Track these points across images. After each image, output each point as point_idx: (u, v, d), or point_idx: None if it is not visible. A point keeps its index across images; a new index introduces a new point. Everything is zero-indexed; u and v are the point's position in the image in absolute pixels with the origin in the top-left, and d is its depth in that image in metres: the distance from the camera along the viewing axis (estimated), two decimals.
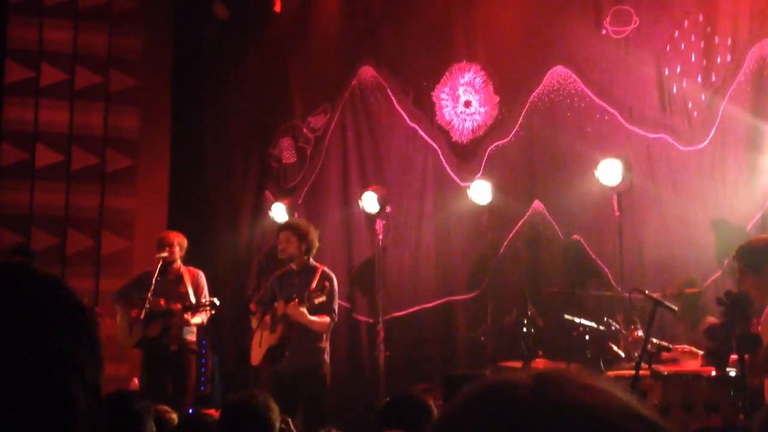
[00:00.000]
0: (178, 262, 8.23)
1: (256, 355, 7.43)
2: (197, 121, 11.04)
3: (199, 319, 8.05)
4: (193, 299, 8.03)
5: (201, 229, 10.48)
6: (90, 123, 10.45)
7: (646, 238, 7.93)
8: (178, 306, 7.89)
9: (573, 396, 1.03)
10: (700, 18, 7.78)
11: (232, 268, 10.35)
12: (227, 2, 10.64)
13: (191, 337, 8.14)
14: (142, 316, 7.83)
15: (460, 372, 7.68)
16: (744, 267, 5.05)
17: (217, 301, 8.01)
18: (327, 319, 7.22)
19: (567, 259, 8.29)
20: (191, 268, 8.28)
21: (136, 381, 8.78)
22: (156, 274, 7.95)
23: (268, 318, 7.34)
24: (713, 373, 5.33)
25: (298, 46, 10.41)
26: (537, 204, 8.47)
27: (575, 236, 8.21)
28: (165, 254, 8.09)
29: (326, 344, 7.37)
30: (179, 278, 8.14)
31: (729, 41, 7.64)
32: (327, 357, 7.38)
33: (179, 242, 8.24)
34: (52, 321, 1.26)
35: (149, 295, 7.84)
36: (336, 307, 7.35)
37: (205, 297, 8.12)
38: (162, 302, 7.89)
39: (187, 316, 7.91)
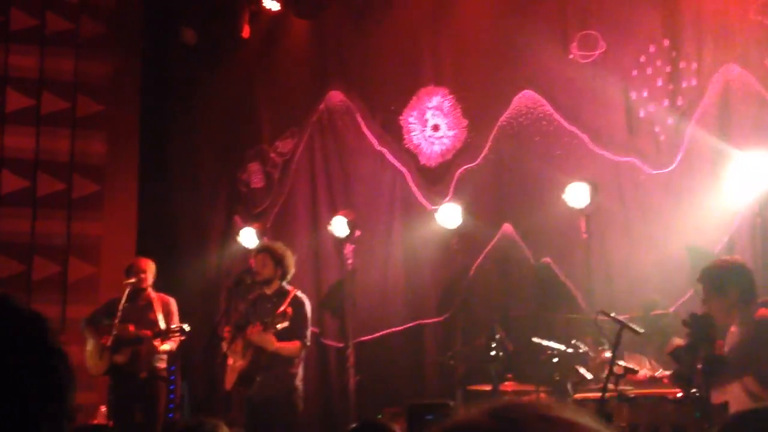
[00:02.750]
0: (149, 289, 8.16)
1: (230, 380, 7.36)
2: (165, 146, 11.01)
3: (168, 346, 7.97)
4: (163, 326, 7.95)
5: (169, 255, 10.42)
6: (56, 149, 10.39)
7: (614, 260, 7.94)
8: (148, 333, 7.81)
9: None
10: (666, 43, 7.84)
11: (201, 294, 10.28)
12: (195, 28, 10.65)
13: (161, 364, 8.07)
14: (110, 343, 7.74)
15: (424, 401, 7.63)
16: (708, 289, 5.06)
17: (186, 327, 7.93)
18: (297, 343, 7.15)
19: (537, 282, 8.28)
20: (162, 295, 8.22)
21: (104, 409, 8.68)
22: (123, 301, 7.87)
23: (239, 343, 7.28)
24: (679, 394, 5.32)
25: (266, 70, 10.42)
26: (506, 227, 8.47)
27: (545, 259, 8.21)
28: (133, 280, 8.02)
29: (298, 369, 7.31)
30: (149, 305, 8.07)
31: (694, 66, 7.68)
32: (299, 383, 7.31)
33: (150, 269, 8.18)
34: (23, 359, 1.24)
35: (117, 321, 7.76)
36: (308, 332, 7.29)
37: (175, 324, 8.04)
38: (131, 329, 7.81)
39: (156, 342, 7.83)
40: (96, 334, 7.96)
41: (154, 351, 7.87)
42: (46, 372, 1.29)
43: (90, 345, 8.01)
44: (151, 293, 8.15)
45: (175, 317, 8.13)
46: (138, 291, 8.07)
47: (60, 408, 1.30)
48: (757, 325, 4.94)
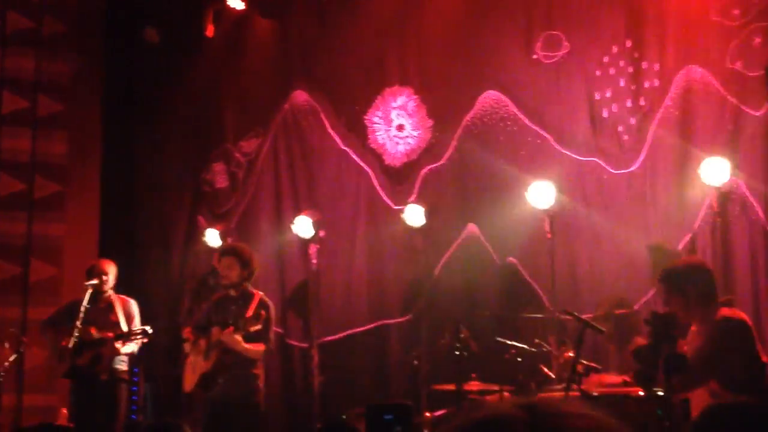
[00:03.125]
0: (110, 291, 8.10)
1: (190, 382, 7.32)
2: (128, 146, 10.92)
3: (130, 348, 7.93)
4: (124, 328, 7.90)
5: (133, 255, 10.35)
6: (17, 148, 10.26)
7: (578, 260, 7.99)
8: (110, 335, 7.76)
9: (568, 426, 0.99)
10: (628, 44, 7.90)
11: (165, 294, 10.21)
12: (158, 27, 10.57)
13: (122, 366, 8.03)
14: (71, 345, 7.68)
15: (383, 402, 7.64)
16: (668, 289, 5.10)
17: (149, 330, 7.89)
18: (262, 346, 7.17)
19: (501, 282, 8.31)
20: (123, 297, 8.17)
21: (65, 411, 8.60)
22: (85, 302, 7.80)
23: (202, 344, 7.25)
24: (641, 393, 5.35)
25: (230, 70, 10.37)
26: (471, 227, 8.49)
27: (510, 259, 8.24)
28: (95, 282, 7.96)
29: (261, 371, 7.32)
30: (110, 307, 8.02)
31: (656, 66, 7.75)
32: (261, 384, 7.32)
33: (111, 271, 8.13)
34: None
35: (78, 323, 7.70)
36: (272, 335, 7.34)
37: (136, 326, 7.99)
38: (93, 331, 7.76)
39: (118, 344, 7.79)
40: (56, 336, 7.90)
41: (116, 353, 7.83)
42: None
43: (50, 347, 7.95)
44: (112, 295, 8.11)
45: (137, 319, 8.09)
46: (99, 293, 8.02)
47: None
48: (718, 326, 4.98)
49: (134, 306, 8.17)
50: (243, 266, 7.34)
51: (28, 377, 9.80)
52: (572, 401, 1.06)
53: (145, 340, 7.95)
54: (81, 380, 7.89)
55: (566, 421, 1.00)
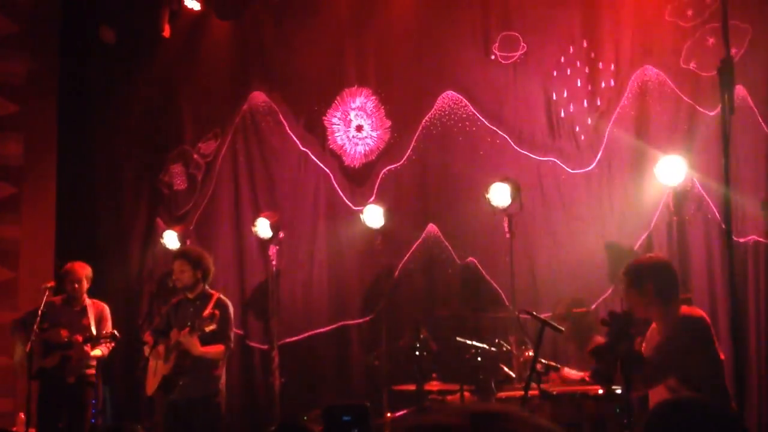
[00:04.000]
0: (84, 295, 8.06)
1: (151, 385, 7.29)
2: (85, 147, 10.81)
3: (99, 351, 7.91)
4: (94, 331, 7.88)
5: (90, 258, 10.16)
6: None
7: (537, 259, 8.05)
8: (79, 338, 7.74)
9: None
10: (585, 44, 7.97)
11: (123, 297, 10.12)
12: (114, 26, 10.47)
13: (90, 370, 8.01)
14: (36, 347, 7.64)
15: (340, 403, 7.64)
16: (627, 285, 5.15)
17: (117, 333, 7.86)
18: (221, 347, 7.13)
19: (461, 282, 8.34)
20: (97, 301, 8.17)
21: (23, 416, 8.51)
22: (42, 306, 7.73)
23: (162, 347, 7.21)
24: (600, 391, 5.41)
25: (187, 70, 10.30)
26: (431, 227, 8.52)
27: (469, 259, 8.28)
28: (51, 284, 7.92)
29: (221, 372, 7.29)
30: (84, 310, 8.01)
31: (612, 67, 7.83)
32: (222, 385, 7.29)
33: (86, 275, 8.09)
34: None
35: (46, 325, 7.66)
36: (231, 335, 7.29)
37: (107, 330, 7.97)
38: (63, 333, 7.74)
39: (87, 348, 7.75)
40: (26, 338, 7.84)
41: (85, 356, 7.80)
42: None
43: (19, 349, 7.89)
44: (86, 299, 8.06)
45: (109, 323, 8.09)
46: (74, 297, 7.99)
47: None
48: (677, 323, 5.03)
49: (107, 310, 8.17)
50: (194, 268, 7.31)
51: None
52: (512, 406, 1.08)
53: (113, 344, 7.92)
54: (48, 382, 7.84)
55: (507, 426, 1.02)
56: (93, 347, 7.81)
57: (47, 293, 7.84)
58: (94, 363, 8.00)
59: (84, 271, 8.10)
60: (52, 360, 7.76)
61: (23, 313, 8.25)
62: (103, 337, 7.80)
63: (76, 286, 7.98)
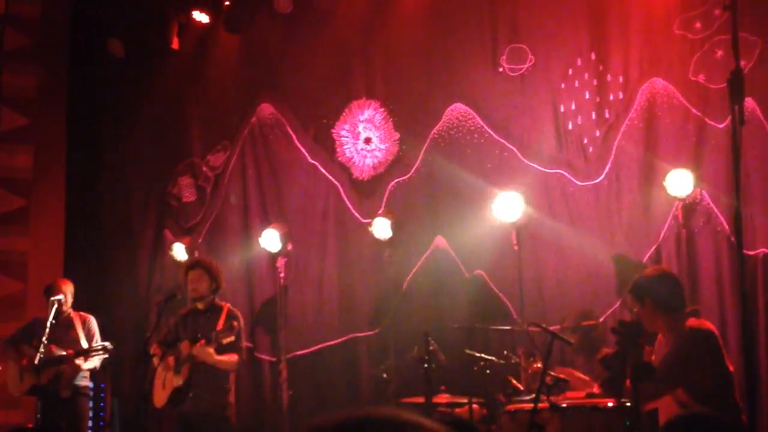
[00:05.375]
0: (69, 309, 8.09)
1: (160, 398, 7.29)
2: (93, 160, 10.84)
3: (91, 363, 7.96)
4: (84, 344, 7.92)
5: (99, 270, 10.28)
6: None
7: (545, 271, 8.03)
8: (70, 352, 7.76)
9: None
10: (593, 56, 7.96)
11: (132, 309, 10.14)
12: (123, 39, 10.51)
13: (84, 382, 8.07)
14: (36, 362, 7.65)
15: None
16: (633, 298, 5.18)
17: (109, 345, 7.89)
18: (235, 357, 7.15)
19: (470, 294, 8.32)
20: (81, 313, 8.21)
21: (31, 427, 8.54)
22: (50, 318, 7.77)
23: (171, 359, 7.20)
24: (610, 404, 5.39)
25: (196, 83, 10.34)
26: (439, 239, 8.51)
27: (478, 271, 8.26)
28: (59, 297, 7.95)
29: (231, 385, 7.31)
30: (70, 324, 8.05)
31: (621, 79, 7.82)
32: (232, 398, 7.31)
33: (69, 290, 8.16)
34: None
35: (45, 339, 7.67)
36: (243, 345, 7.34)
37: (96, 341, 7.98)
38: (53, 349, 7.77)
39: (78, 361, 7.78)
40: (17, 355, 7.89)
41: (77, 370, 7.87)
42: None
43: (11, 367, 7.92)
44: (72, 313, 8.12)
45: (96, 334, 8.12)
46: (58, 312, 8.02)
47: None
48: (685, 335, 5.02)
49: (93, 322, 8.21)
50: (211, 278, 7.34)
51: None
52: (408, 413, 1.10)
53: (106, 356, 7.94)
54: (45, 398, 7.88)
55: (379, 428, 1.04)
56: (85, 360, 7.87)
57: (56, 306, 7.89)
58: (87, 374, 8.04)
59: (66, 286, 8.16)
60: (46, 376, 7.80)
61: (12, 332, 8.30)
62: (94, 349, 7.84)
63: (61, 298, 8.00)
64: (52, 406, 7.85)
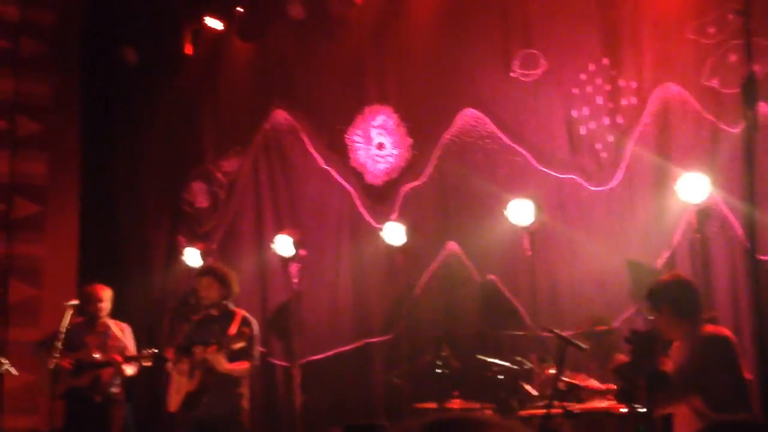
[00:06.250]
0: (105, 315, 8.16)
1: (174, 402, 7.30)
2: (107, 166, 10.90)
3: (131, 370, 8.02)
4: (133, 351, 8.03)
5: (112, 275, 10.26)
6: None
7: (558, 277, 8.00)
8: (118, 357, 7.82)
9: None
10: (605, 62, 7.94)
11: (145, 314, 10.17)
12: (136, 46, 10.57)
13: (116, 389, 8.09)
14: (69, 366, 7.70)
15: (361, 422, 7.63)
16: (649, 305, 5.16)
17: (156, 351, 7.92)
18: (247, 364, 7.15)
19: (482, 300, 8.31)
20: (118, 322, 8.27)
21: None
22: (64, 323, 7.79)
23: (185, 364, 7.22)
24: (623, 410, 5.38)
25: (209, 89, 10.38)
26: (451, 245, 8.51)
27: (490, 276, 8.25)
28: (75, 302, 8.00)
29: (245, 390, 7.30)
30: (107, 331, 8.06)
31: (634, 84, 7.80)
32: (246, 403, 7.30)
33: (107, 296, 8.19)
34: None
35: (59, 344, 7.71)
36: (256, 353, 7.29)
37: (132, 350, 8.09)
38: (97, 354, 7.81)
39: (125, 366, 7.88)
40: (49, 358, 7.90)
41: (122, 375, 7.92)
42: None
43: (43, 369, 7.95)
44: (107, 320, 8.14)
45: (133, 343, 8.15)
46: (95, 318, 8.08)
47: None
48: (703, 343, 5.00)
49: (130, 331, 8.28)
50: (222, 285, 7.34)
51: (9, 399, 9.74)
52: (476, 413, 1.11)
53: (150, 363, 7.96)
54: (76, 402, 7.92)
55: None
56: (132, 366, 7.94)
57: (72, 311, 7.91)
58: (118, 382, 8.07)
59: (105, 292, 8.18)
60: (84, 380, 7.83)
61: (45, 334, 8.34)
62: (142, 356, 7.88)
63: (100, 305, 8.06)
64: (81, 410, 7.88)
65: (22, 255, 10.28)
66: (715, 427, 2.59)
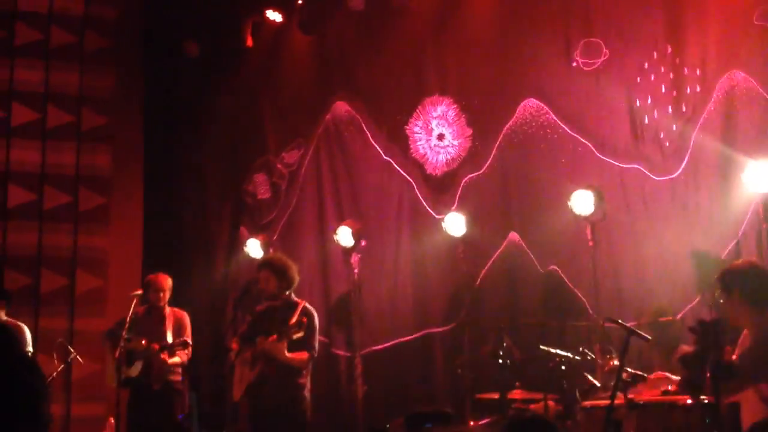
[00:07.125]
0: (165, 303, 8.25)
1: (237, 391, 7.38)
2: (170, 158, 11.04)
3: (177, 359, 8.06)
4: (170, 339, 8.03)
5: (176, 266, 10.40)
6: (62, 162, 10.45)
7: (621, 267, 7.93)
8: (155, 346, 7.89)
9: None
10: (669, 49, 7.84)
11: (209, 305, 10.31)
12: (197, 40, 10.69)
13: (175, 377, 8.17)
14: (117, 356, 7.82)
15: (423, 410, 7.64)
16: (720, 292, 5.10)
17: (188, 341, 8.00)
18: (306, 354, 7.18)
19: (544, 290, 8.27)
20: (176, 310, 8.33)
21: (112, 420, 8.72)
22: (131, 312, 7.92)
23: (248, 354, 7.30)
24: (688, 401, 5.33)
25: (270, 81, 10.45)
26: (513, 235, 8.47)
27: (552, 266, 8.21)
28: (139, 292, 8.11)
29: (306, 380, 7.33)
30: (162, 319, 8.17)
31: (698, 72, 7.68)
32: (307, 393, 7.32)
33: (168, 286, 8.29)
34: None
35: (124, 333, 7.83)
36: (316, 343, 7.30)
37: (186, 337, 8.11)
38: (144, 342, 7.90)
39: (163, 355, 7.89)
40: (113, 347, 8.04)
41: (164, 363, 7.94)
42: (15, 380, 1.35)
43: (108, 358, 8.09)
44: (167, 309, 8.24)
45: (188, 331, 8.22)
46: (156, 307, 8.19)
47: (34, 415, 1.37)
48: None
49: (187, 319, 8.31)
50: (279, 278, 7.38)
51: (76, 387, 9.96)
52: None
53: (187, 351, 8.05)
54: (135, 390, 8.04)
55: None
56: (170, 356, 7.97)
57: (135, 301, 8.03)
58: (178, 370, 8.16)
59: (166, 281, 8.28)
60: (136, 369, 7.94)
61: (112, 323, 8.47)
62: (175, 345, 7.96)
63: (161, 295, 8.16)
64: (141, 398, 7.98)
65: (88, 246, 10.47)
66: None
